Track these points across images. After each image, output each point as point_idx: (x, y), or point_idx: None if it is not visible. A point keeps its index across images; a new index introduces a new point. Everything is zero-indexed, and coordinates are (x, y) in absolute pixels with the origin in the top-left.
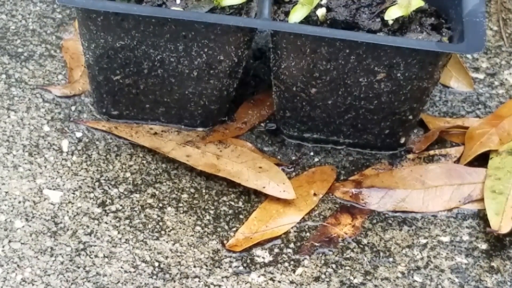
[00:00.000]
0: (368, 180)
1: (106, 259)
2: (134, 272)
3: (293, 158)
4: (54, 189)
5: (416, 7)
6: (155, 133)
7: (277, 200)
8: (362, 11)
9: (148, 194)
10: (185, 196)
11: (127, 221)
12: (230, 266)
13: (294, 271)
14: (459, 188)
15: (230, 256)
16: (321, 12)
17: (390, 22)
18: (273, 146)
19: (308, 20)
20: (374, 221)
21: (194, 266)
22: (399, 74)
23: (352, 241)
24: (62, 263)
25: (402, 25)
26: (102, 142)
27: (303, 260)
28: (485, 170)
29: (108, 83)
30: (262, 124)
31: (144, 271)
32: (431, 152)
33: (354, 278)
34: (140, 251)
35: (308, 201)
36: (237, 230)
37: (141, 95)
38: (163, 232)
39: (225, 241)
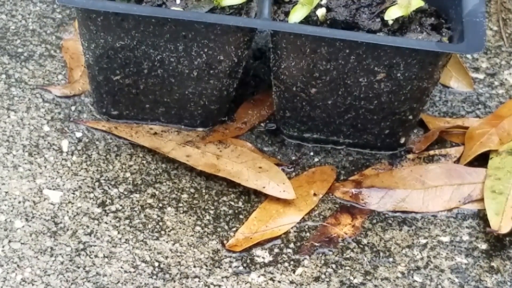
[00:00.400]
0: (368, 180)
1: (106, 259)
2: (134, 272)
3: (293, 158)
4: (54, 189)
5: (416, 7)
6: (155, 133)
7: (277, 200)
8: (362, 11)
9: (148, 194)
10: (185, 196)
11: (127, 221)
12: (230, 266)
13: (294, 271)
14: (459, 188)
15: (230, 256)
16: (321, 12)
17: (390, 22)
18: (273, 146)
19: (308, 20)
20: (374, 221)
21: (194, 266)
22: (399, 74)
23: (352, 241)
24: (62, 263)
25: (402, 25)
26: (102, 142)
27: (303, 260)
28: (485, 170)
29: (108, 83)
30: (262, 124)
31: (144, 271)
32: (431, 152)
33: (354, 278)
34: (140, 251)
35: (308, 201)
36: (237, 230)
37: (141, 95)
38: (163, 232)
39: (225, 241)
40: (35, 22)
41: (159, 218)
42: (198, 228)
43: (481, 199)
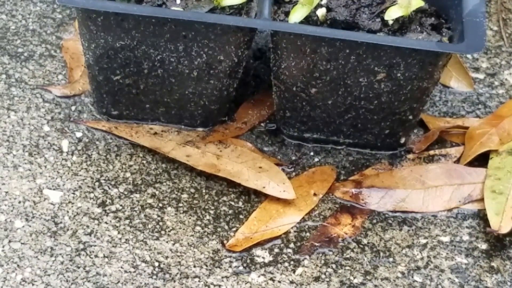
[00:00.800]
0: (368, 180)
1: (106, 259)
2: (134, 272)
3: (293, 158)
4: (54, 189)
5: (416, 7)
6: (155, 133)
7: (277, 200)
8: (362, 11)
9: (148, 194)
10: (185, 196)
11: (127, 221)
12: (230, 266)
13: (294, 271)
14: (459, 188)
15: (230, 256)
16: (321, 12)
17: (390, 22)
18: (273, 146)
19: (308, 20)
20: (374, 221)
21: (194, 266)
22: (399, 74)
23: (352, 241)
24: (62, 263)
25: (402, 25)
26: (102, 142)
27: (303, 260)
28: (485, 170)
29: (108, 83)
30: (262, 124)
31: (144, 271)
32: (431, 152)
33: (354, 278)
34: (140, 251)
35: (308, 201)
36: (237, 230)
37: (141, 95)
38: (163, 232)
39: (225, 241)
40: (35, 22)
41: (159, 218)
42: (198, 228)
43: (481, 199)
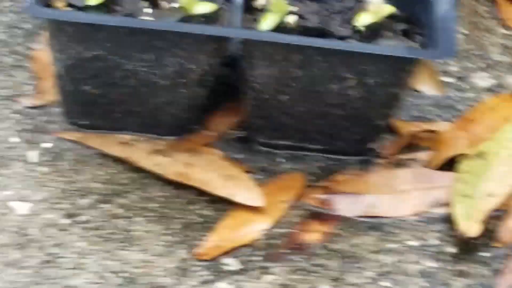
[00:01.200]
0: (338, 186)
1: (74, 271)
2: (102, 283)
3: (264, 165)
4: (22, 201)
5: (387, 13)
6: (125, 143)
7: (247, 207)
8: (333, 18)
9: (117, 204)
10: (154, 205)
11: (95, 232)
12: (199, 275)
13: (263, 279)
14: (428, 192)
15: (199, 265)
16: (292, 19)
17: (362, 29)
18: (243, 153)
19: (280, 27)
20: (343, 227)
21: (163, 276)
22: (370, 81)
23: (321, 248)
24: (29, 275)
25: (374, 31)
26: (71, 152)
27: (272, 268)
28: (454, 174)
29: (78, 93)
30: (233, 132)
31: (113, 282)
32: (401, 157)
33: (323, 284)
34: (109, 261)
35: (277, 208)
36: (206, 238)
37: (112, 105)
38: (132, 242)
39: (194, 250)
40: (4, 32)
41: (128, 228)
42: (167, 237)
43: (450, 203)
